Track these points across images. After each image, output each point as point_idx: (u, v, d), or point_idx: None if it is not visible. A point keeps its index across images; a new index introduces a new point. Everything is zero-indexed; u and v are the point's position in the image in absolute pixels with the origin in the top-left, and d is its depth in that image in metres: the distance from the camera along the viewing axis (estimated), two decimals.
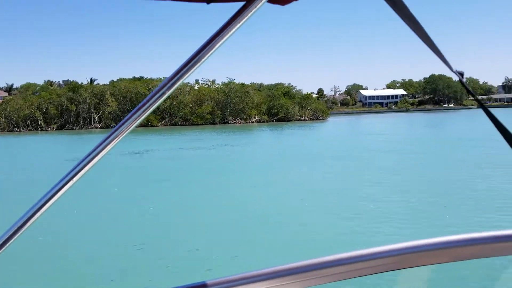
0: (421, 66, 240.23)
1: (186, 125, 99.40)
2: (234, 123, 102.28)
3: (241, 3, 1.15)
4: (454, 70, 1.21)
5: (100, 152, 1.15)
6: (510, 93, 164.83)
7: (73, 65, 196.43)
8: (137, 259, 12.66)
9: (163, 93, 1.15)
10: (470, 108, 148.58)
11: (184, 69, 1.14)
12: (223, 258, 12.28)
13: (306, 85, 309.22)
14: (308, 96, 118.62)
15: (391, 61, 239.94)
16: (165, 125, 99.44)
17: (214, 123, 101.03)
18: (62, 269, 12.21)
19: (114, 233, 15.46)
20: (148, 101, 1.15)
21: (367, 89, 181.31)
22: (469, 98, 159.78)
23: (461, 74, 1.21)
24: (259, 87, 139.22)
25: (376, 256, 1.29)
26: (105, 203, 20.31)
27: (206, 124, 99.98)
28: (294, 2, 1.19)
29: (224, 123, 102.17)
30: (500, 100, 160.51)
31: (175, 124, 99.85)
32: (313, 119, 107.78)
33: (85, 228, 16.18)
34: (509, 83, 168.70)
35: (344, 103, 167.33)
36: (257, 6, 1.13)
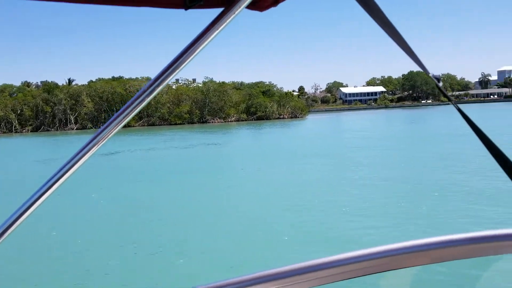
0: (400, 63, 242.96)
1: (164, 124, 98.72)
2: (212, 122, 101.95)
3: (220, 9, 1.15)
4: (430, 74, 1.22)
5: (87, 154, 1.16)
6: (487, 88, 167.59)
7: (52, 66, 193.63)
8: (119, 260, 12.47)
9: (145, 98, 1.15)
10: (448, 104, 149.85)
11: (165, 74, 1.14)
12: (205, 260, 12.13)
13: (287, 84, 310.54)
14: (286, 94, 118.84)
15: (371, 58, 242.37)
16: (143, 125, 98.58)
17: (192, 123, 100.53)
18: (42, 271, 11.99)
19: (93, 234, 15.16)
20: (131, 104, 1.15)
21: (347, 86, 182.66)
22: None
23: (437, 79, 1.22)
24: (239, 86, 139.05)
25: (360, 259, 1.29)
26: (73, 204, 19.92)
27: (184, 123, 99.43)
28: (272, 8, 1.19)
29: (203, 122, 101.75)
30: (477, 95, 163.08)
31: (153, 124, 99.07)
32: (291, 117, 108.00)
33: (61, 229, 15.84)
34: (485, 79, 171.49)
35: (324, 101, 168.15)
36: (236, 12, 1.14)
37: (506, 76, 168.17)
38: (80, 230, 16.01)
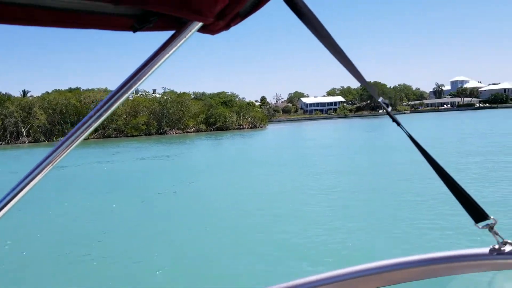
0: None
1: (120, 136, 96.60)
2: (170, 133, 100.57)
3: (170, 32, 1.14)
4: (379, 99, 1.30)
5: (46, 167, 1.15)
6: (440, 98, 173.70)
7: (8, 77, 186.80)
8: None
9: (97, 119, 1.15)
10: (404, 113, 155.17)
11: (116, 96, 1.14)
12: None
13: (250, 94, 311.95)
14: (249, 104, 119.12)
15: (331, 69, 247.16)
16: (98, 138, 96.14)
17: (149, 134, 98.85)
18: None
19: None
20: (87, 121, 1.15)
21: (308, 96, 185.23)
22: (403, 104, 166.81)
23: (386, 104, 1.31)
24: (201, 96, 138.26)
25: (312, 285, 1.29)
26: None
27: (141, 135, 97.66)
28: (224, 31, 1.18)
29: (161, 133, 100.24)
30: (431, 105, 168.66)
31: (109, 136, 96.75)
32: (251, 127, 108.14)
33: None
34: (439, 89, 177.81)
35: (286, 111, 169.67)
36: (187, 36, 1.13)
37: (459, 86, 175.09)
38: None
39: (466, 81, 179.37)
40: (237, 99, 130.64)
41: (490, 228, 1.35)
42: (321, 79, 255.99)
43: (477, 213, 1.35)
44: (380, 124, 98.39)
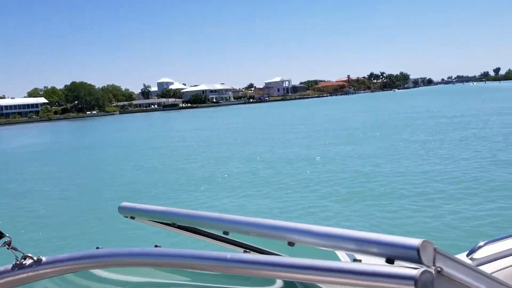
0: (65, 74, 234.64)
1: None
2: None
3: None
4: None
5: None
6: (148, 99, 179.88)
7: None
8: None
9: None
10: (113, 114, 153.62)
11: None
12: None
13: None
14: None
15: (33, 67, 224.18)
16: None
17: None
18: None
19: None
20: None
21: (4, 97, 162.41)
22: (112, 105, 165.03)
23: None
24: None
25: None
26: None
27: None
28: None
29: None
30: (140, 105, 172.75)
31: None
32: None
33: None
34: (147, 90, 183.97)
35: None
36: None
37: (164, 88, 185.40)
38: None
39: (171, 83, 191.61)
40: None
41: (8, 245, 1.36)
42: (22, 79, 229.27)
43: None
44: (88, 126, 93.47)
